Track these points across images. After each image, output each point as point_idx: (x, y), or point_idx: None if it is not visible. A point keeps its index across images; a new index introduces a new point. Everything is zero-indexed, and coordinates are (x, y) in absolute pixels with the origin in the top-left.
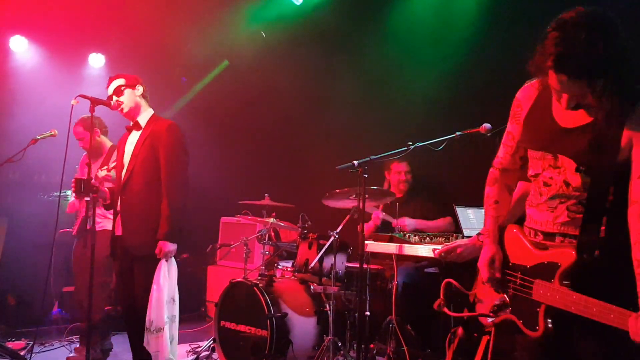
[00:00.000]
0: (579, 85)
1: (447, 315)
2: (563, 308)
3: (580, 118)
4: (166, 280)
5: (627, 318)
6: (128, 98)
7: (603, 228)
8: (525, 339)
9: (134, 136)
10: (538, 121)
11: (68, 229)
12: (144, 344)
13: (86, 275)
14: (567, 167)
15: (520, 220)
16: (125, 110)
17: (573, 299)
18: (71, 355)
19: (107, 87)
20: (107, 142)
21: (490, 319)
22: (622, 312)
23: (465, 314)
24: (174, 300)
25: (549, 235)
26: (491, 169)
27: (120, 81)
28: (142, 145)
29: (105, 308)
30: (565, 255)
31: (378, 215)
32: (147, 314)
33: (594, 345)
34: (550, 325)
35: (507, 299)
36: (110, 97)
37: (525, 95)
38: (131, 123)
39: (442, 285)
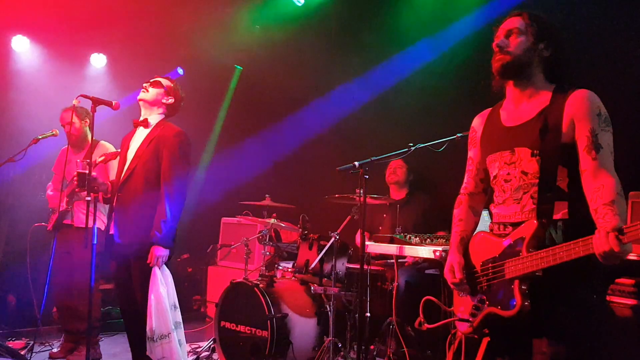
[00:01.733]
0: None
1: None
2: (535, 269)
3: (525, 115)
4: (164, 288)
5: (591, 241)
6: (154, 94)
7: (566, 211)
8: (505, 325)
9: (140, 135)
10: (492, 132)
11: (44, 224)
12: (147, 353)
13: (63, 275)
14: (522, 158)
15: None
16: (143, 98)
17: (541, 255)
18: (71, 355)
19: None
20: (90, 135)
21: (468, 323)
22: (586, 239)
23: (443, 322)
24: (175, 306)
25: (518, 225)
26: (458, 196)
27: (165, 81)
28: (147, 147)
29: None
30: (527, 226)
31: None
32: (148, 323)
33: (567, 311)
34: (526, 297)
35: (484, 295)
36: (144, 83)
37: (478, 121)
38: (140, 119)
39: (422, 303)
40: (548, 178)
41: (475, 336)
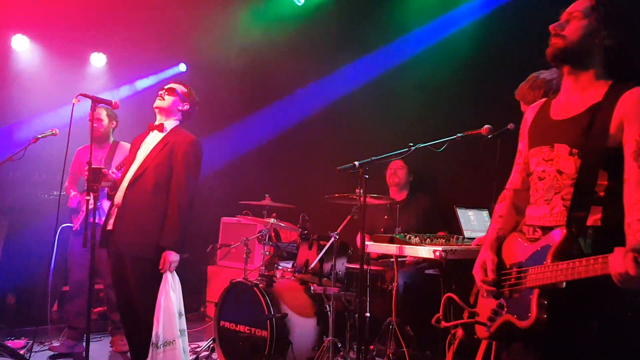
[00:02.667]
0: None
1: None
2: (554, 281)
3: (574, 109)
4: (175, 293)
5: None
6: (170, 102)
7: (598, 217)
8: (520, 335)
9: (154, 137)
10: (539, 124)
11: (69, 224)
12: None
13: (80, 273)
14: (561, 155)
15: None
16: (159, 106)
17: (561, 267)
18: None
19: (170, 83)
20: (112, 137)
21: (486, 328)
22: (606, 257)
23: (460, 321)
24: (181, 313)
25: (547, 229)
26: (503, 191)
27: (179, 87)
28: (161, 150)
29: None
30: (556, 234)
31: None
32: (155, 327)
33: (590, 327)
34: (543, 309)
35: (504, 301)
36: (159, 90)
37: (530, 112)
38: (155, 123)
39: (443, 300)
40: (586, 182)
41: (493, 342)
